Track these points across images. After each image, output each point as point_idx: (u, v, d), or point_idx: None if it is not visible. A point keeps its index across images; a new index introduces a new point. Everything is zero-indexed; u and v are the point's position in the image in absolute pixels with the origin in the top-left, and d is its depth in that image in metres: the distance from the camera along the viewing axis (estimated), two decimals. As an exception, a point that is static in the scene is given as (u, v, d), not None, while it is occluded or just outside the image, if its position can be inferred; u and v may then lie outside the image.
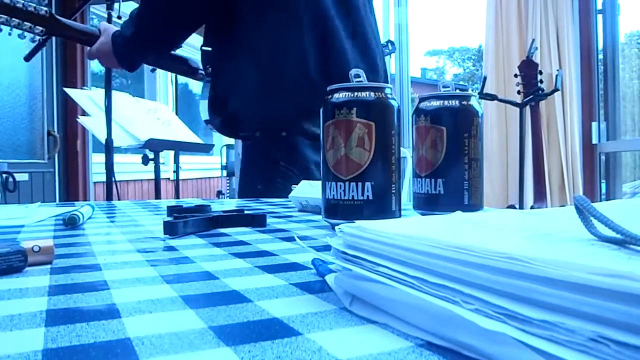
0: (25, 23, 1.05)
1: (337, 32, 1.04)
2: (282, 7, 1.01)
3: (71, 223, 0.56)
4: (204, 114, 1.15)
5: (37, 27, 1.07)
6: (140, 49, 1.12)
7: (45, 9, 1.07)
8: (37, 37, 1.10)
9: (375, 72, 1.11)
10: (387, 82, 1.16)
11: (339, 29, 1.04)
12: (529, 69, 2.11)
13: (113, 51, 1.10)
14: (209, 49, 1.10)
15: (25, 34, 1.08)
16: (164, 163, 3.08)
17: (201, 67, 1.18)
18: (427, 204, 0.58)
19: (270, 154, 1.02)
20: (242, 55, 1.03)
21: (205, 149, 2.79)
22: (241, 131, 1.07)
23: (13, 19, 1.04)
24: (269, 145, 1.03)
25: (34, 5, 1.06)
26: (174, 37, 1.10)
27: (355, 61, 1.05)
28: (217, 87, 1.11)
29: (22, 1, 1.05)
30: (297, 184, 0.78)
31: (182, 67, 1.27)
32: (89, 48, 1.15)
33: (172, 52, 1.24)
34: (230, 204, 0.86)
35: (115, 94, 2.04)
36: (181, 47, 1.19)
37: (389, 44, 1.46)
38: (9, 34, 1.06)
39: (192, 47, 1.50)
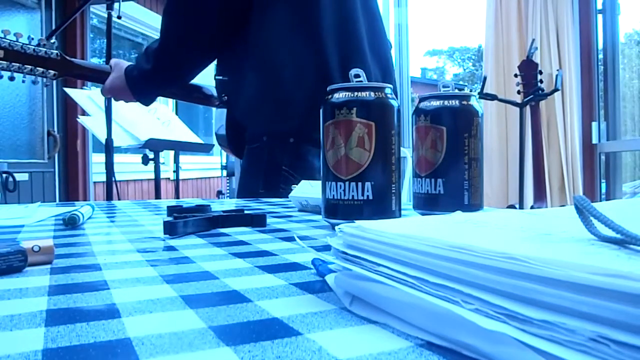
0: (38, 68, 1.04)
1: (360, 35, 1.02)
2: (301, 7, 0.99)
3: (71, 223, 0.56)
4: (219, 125, 1.14)
5: (50, 70, 1.05)
6: (159, 83, 1.12)
7: (56, 52, 1.06)
8: (50, 80, 1.08)
9: (389, 77, 1.10)
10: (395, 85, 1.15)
11: (362, 31, 1.02)
12: (529, 69, 2.11)
13: (128, 85, 1.10)
14: (223, 77, 1.10)
15: (38, 79, 1.06)
16: (164, 163, 3.08)
17: (215, 94, 1.17)
18: (427, 204, 0.58)
19: (275, 158, 1.00)
20: (257, 61, 1.01)
21: (205, 149, 2.79)
22: (248, 135, 1.05)
23: (25, 65, 1.02)
24: (275, 149, 1.01)
25: (45, 49, 1.04)
26: (193, 70, 1.09)
27: (372, 65, 1.03)
28: (234, 111, 1.10)
29: (33, 46, 1.03)
30: None
31: (197, 95, 1.26)
32: (102, 85, 1.14)
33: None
34: (230, 204, 0.86)
35: (115, 94, 2.03)
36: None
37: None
38: (23, 82, 1.05)
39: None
